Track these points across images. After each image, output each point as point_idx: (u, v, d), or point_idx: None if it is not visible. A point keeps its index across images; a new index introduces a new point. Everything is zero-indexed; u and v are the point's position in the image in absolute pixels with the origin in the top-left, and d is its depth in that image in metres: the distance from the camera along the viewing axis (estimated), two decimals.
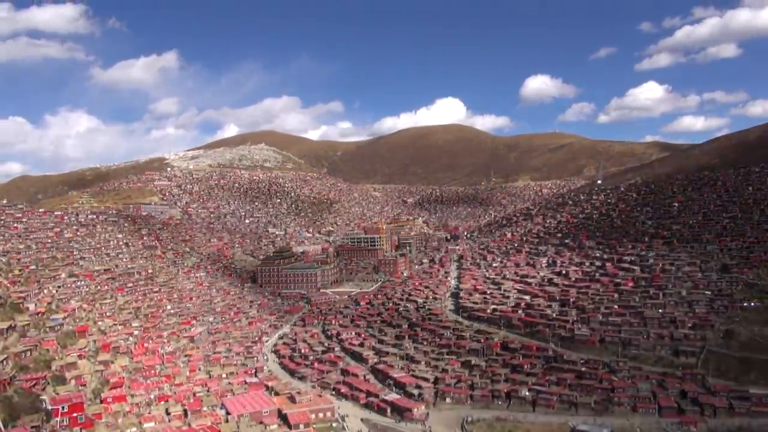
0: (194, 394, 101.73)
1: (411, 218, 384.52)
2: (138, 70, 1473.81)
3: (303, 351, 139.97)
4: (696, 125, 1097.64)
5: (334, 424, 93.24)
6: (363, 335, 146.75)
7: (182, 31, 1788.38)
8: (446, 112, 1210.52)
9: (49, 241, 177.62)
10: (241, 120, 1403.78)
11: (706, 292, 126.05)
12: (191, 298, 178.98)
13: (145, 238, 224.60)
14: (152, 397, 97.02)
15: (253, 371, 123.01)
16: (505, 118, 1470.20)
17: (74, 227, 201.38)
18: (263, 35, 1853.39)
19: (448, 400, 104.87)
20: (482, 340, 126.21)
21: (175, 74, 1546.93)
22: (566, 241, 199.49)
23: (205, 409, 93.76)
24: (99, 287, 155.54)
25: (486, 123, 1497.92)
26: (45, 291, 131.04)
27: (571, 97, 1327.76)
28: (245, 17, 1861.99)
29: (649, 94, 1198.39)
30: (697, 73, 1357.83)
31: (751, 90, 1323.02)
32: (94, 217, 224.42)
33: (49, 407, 74.07)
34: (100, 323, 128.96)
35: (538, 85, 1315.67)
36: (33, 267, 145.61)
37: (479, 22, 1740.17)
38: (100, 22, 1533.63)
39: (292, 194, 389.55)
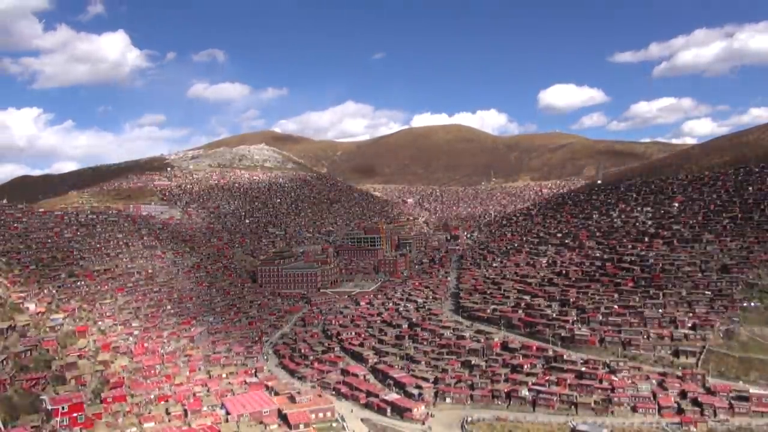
0: (194, 394, 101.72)
1: (411, 218, 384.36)
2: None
3: (303, 351, 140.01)
4: (701, 129, 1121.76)
5: (334, 424, 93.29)
6: (363, 335, 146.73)
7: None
8: (485, 119, 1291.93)
9: (49, 241, 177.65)
10: (303, 126, 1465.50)
11: (706, 292, 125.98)
12: (191, 298, 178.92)
13: (145, 238, 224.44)
14: (152, 397, 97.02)
15: (253, 371, 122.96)
16: (532, 125, 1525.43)
17: (74, 227, 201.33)
18: (332, 48, 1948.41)
19: (448, 400, 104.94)
20: (482, 340, 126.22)
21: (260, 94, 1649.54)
22: (566, 241, 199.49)
23: (205, 409, 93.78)
24: (99, 287, 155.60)
25: (519, 129, 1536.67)
26: (45, 291, 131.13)
27: (589, 105, 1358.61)
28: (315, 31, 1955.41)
29: (659, 104, 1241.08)
30: (703, 87, 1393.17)
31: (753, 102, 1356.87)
32: (94, 217, 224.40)
33: (49, 407, 74.07)
34: (100, 323, 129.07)
35: (560, 93, 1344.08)
36: (33, 267, 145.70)
37: (500, 33, 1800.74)
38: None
39: (292, 194, 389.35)
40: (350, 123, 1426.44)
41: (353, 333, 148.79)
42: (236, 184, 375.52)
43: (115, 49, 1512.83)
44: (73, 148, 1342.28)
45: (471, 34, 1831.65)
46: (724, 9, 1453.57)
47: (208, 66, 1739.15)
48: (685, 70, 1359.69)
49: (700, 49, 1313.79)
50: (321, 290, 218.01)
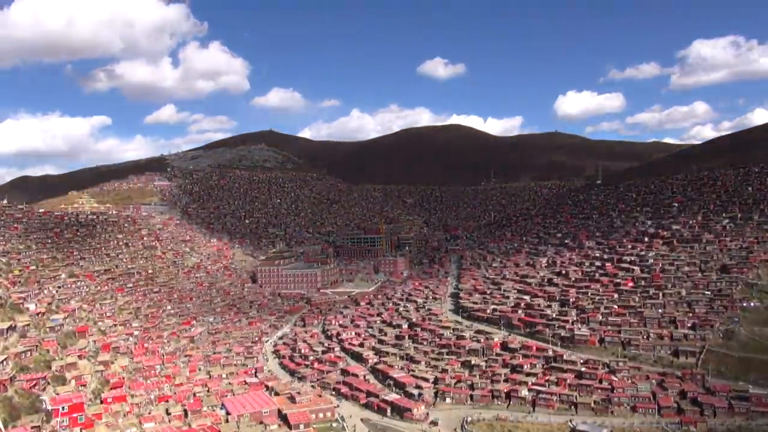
0: (194, 394, 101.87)
1: (411, 218, 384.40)
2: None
3: (303, 351, 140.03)
4: (704, 133, 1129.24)
5: (334, 424, 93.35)
6: (363, 335, 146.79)
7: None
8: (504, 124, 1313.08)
9: (49, 241, 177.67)
10: (337, 130, 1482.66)
11: (706, 292, 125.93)
12: (191, 298, 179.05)
13: (144, 238, 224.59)
14: (152, 397, 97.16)
15: (253, 371, 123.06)
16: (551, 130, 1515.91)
17: (74, 227, 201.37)
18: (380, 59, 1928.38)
19: (448, 400, 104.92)
20: (482, 340, 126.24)
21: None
22: (566, 241, 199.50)
23: (205, 409, 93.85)
24: (99, 287, 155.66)
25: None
26: (45, 291, 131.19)
27: (603, 113, 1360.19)
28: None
29: (672, 111, 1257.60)
30: (710, 95, 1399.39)
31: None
32: (94, 217, 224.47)
33: (50, 407, 74.11)
34: (100, 323, 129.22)
35: (575, 100, 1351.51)
36: (33, 267, 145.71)
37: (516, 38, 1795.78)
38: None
39: (292, 194, 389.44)
40: (386, 124, 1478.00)
41: (353, 333, 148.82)
42: (236, 184, 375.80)
43: (233, 71, 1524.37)
44: (124, 151, 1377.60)
45: (494, 42, 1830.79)
46: (734, 22, 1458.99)
47: (282, 77, 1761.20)
48: (696, 81, 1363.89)
49: (709, 61, 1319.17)
50: (321, 290, 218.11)
